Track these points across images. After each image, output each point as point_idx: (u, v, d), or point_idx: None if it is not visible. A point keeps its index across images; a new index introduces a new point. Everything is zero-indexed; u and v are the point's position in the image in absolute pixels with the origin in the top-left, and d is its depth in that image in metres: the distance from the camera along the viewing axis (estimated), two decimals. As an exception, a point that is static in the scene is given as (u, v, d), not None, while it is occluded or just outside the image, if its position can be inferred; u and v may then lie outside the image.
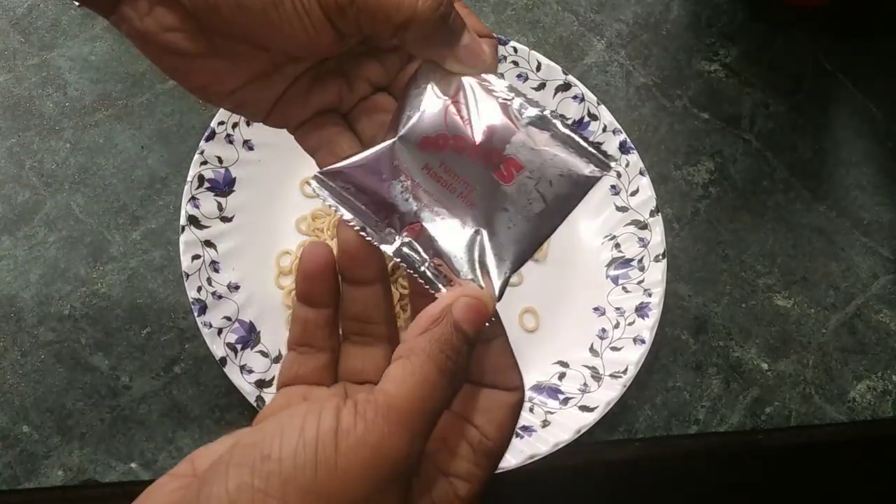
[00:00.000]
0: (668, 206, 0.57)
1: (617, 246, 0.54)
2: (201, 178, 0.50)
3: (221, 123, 0.51)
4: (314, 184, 0.29)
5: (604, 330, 0.52)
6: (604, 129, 0.56)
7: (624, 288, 0.53)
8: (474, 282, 0.28)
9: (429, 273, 0.28)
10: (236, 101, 0.31)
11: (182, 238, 0.49)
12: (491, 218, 0.29)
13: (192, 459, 0.26)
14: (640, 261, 0.53)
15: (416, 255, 0.28)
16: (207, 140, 0.51)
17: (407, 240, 0.28)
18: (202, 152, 0.50)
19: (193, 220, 0.49)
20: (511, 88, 0.30)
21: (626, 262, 0.54)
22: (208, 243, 0.49)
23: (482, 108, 0.30)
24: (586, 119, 0.56)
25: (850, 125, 0.63)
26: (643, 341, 0.51)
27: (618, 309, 0.53)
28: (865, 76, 0.64)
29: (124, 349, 0.50)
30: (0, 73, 0.55)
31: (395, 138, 0.30)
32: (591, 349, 0.52)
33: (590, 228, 0.55)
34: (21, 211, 0.52)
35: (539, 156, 0.29)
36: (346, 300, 0.29)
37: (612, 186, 0.55)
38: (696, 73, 0.62)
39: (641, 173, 0.55)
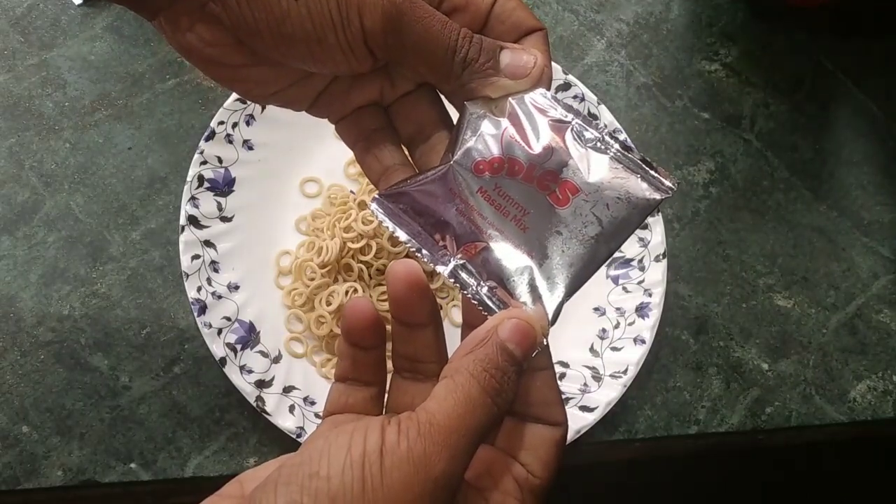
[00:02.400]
0: (668, 205, 0.57)
1: (617, 246, 0.54)
2: (201, 178, 0.50)
3: (221, 123, 0.51)
4: (373, 206, 0.29)
5: (604, 330, 0.52)
6: (604, 129, 0.55)
7: (624, 288, 0.53)
8: (526, 306, 0.28)
9: (483, 296, 0.28)
10: (278, 100, 0.32)
11: (182, 238, 0.49)
12: (544, 242, 0.29)
13: (241, 481, 0.27)
14: (641, 261, 0.53)
15: (470, 278, 0.28)
16: (207, 140, 0.50)
17: (461, 262, 0.28)
18: (202, 152, 0.50)
19: (193, 220, 0.49)
20: (569, 108, 0.30)
21: (627, 262, 0.54)
22: (208, 243, 0.49)
23: (539, 130, 0.30)
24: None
25: (851, 125, 0.63)
26: (643, 341, 0.51)
27: (618, 309, 0.53)
28: (866, 76, 0.64)
29: (124, 349, 0.50)
30: (-1, 73, 0.55)
31: (451, 162, 0.30)
32: (592, 349, 0.52)
33: (590, 228, 0.55)
34: (20, 211, 0.52)
35: (597, 179, 0.29)
36: (397, 340, 0.29)
37: (613, 186, 0.55)
38: (696, 73, 0.62)
39: (642, 173, 0.55)
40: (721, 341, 0.55)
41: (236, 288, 0.49)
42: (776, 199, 0.60)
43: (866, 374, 0.56)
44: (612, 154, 0.30)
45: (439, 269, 0.28)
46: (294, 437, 0.46)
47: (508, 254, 0.28)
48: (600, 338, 0.52)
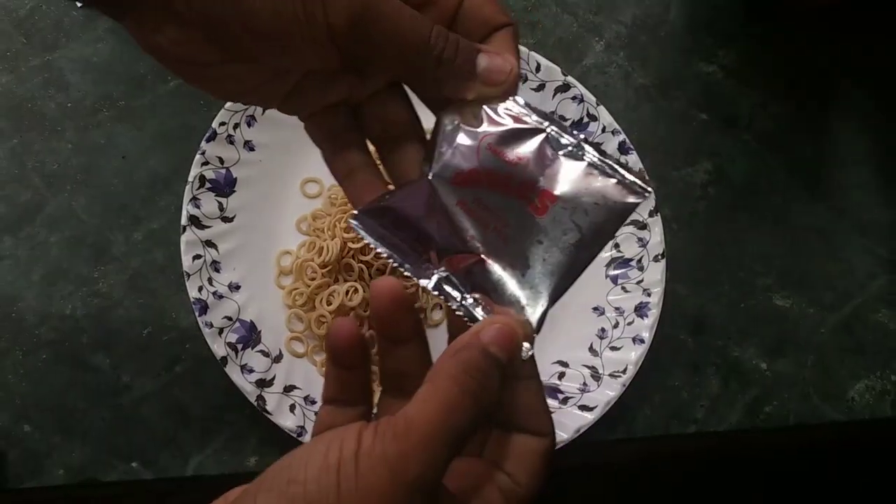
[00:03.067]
0: (666, 206, 0.57)
1: (616, 246, 0.55)
2: (202, 179, 0.50)
3: (223, 124, 0.51)
4: (354, 222, 0.29)
5: (603, 330, 0.52)
6: (603, 130, 0.56)
7: (623, 288, 0.53)
8: (510, 316, 0.28)
9: (468, 307, 0.28)
10: (249, 98, 0.32)
11: (183, 238, 0.49)
12: (525, 252, 0.29)
13: (227, 496, 0.27)
14: (640, 261, 0.54)
15: (454, 290, 0.28)
16: (209, 141, 0.51)
17: (445, 274, 0.28)
18: (203, 153, 0.51)
19: (195, 221, 0.50)
20: (543, 115, 0.30)
21: (626, 262, 0.54)
22: (209, 243, 0.50)
23: (515, 139, 0.30)
24: (585, 120, 0.56)
25: (849, 125, 0.63)
26: (642, 341, 0.51)
27: (617, 309, 0.53)
28: (865, 76, 0.64)
29: (125, 349, 0.50)
30: (2, 74, 0.55)
31: (430, 175, 0.30)
32: (591, 349, 0.52)
33: (589, 229, 0.56)
34: (23, 211, 0.52)
35: (573, 186, 0.29)
36: (383, 357, 0.29)
37: (612, 187, 0.55)
38: (694, 74, 0.62)
39: (640, 174, 0.55)
40: (719, 341, 0.56)
41: (237, 288, 0.50)
42: (774, 199, 0.60)
43: (864, 374, 0.56)
44: (587, 160, 0.30)
45: (423, 282, 0.28)
46: (295, 436, 0.47)
47: (491, 265, 0.28)
48: (599, 337, 0.52)
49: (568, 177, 0.29)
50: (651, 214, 0.54)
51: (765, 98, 0.62)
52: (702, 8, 0.65)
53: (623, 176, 0.29)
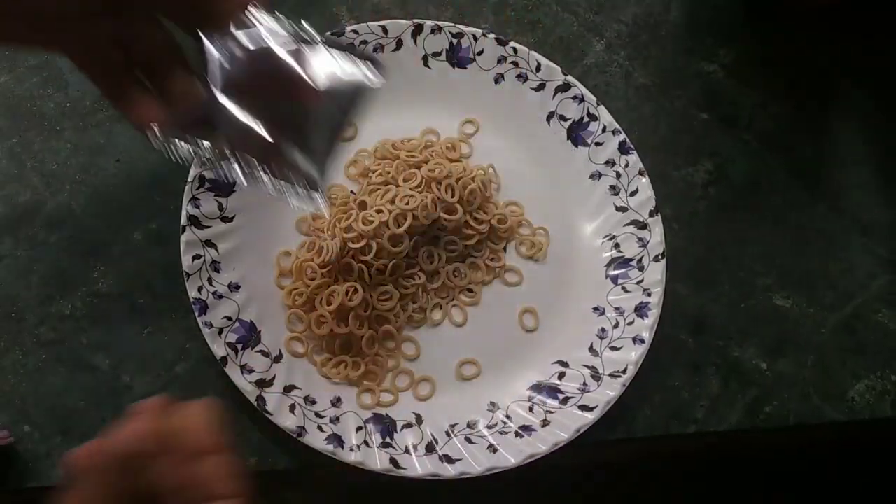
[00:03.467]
0: (667, 206, 0.57)
1: (616, 246, 0.55)
2: (202, 179, 0.50)
3: (222, 124, 0.51)
4: (154, 137, 0.37)
5: (603, 329, 0.52)
6: (603, 130, 0.56)
7: (623, 288, 0.53)
8: (302, 185, 0.38)
9: (281, 186, 0.38)
10: (15, 42, 0.36)
11: (183, 238, 0.49)
12: (306, 135, 0.38)
13: None
14: (640, 261, 0.54)
15: (263, 176, 0.38)
16: (208, 140, 0.51)
17: (251, 167, 0.38)
18: (203, 152, 0.51)
19: (194, 221, 0.49)
20: (293, 23, 0.37)
21: (626, 262, 0.54)
22: (209, 243, 0.50)
23: (275, 43, 0.37)
24: (586, 119, 0.56)
25: (850, 125, 0.63)
26: (642, 341, 0.51)
27: (617, 309, 0.53)
28: (865, 76, 0.64)
29: (125, 349, 0.50)
30: (1, 74, 0.55)
31: (208, 89, 0.37)
32: (591, 349, 0.52)
33: (589, 228, 0.56)
34: (22, 211, 0.52)
35: (329, 76, 0.37)
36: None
37: (612, 187, 0.55)
38: (695, 74, 0.62)
39: (641, 173, 0.55)
40: (720, 341, 0.56)
41: (237, 288, 0.50)
42: (774, 199, 0.60)
43: (864, 374, 0.56)
44: (335, 54, 0.38)
45: (235, 176, 0.37)
46: (295, 436, 0.47)
47: (285, 151, 0.37)
48: (600, 337, 0.52)
49: (324, 70, 0.37)
50: (651, 214, 0.54)
51: (765, 98, 0.62)
52: (702, 7, 0.65)
53: (365, 63, 0.38)
